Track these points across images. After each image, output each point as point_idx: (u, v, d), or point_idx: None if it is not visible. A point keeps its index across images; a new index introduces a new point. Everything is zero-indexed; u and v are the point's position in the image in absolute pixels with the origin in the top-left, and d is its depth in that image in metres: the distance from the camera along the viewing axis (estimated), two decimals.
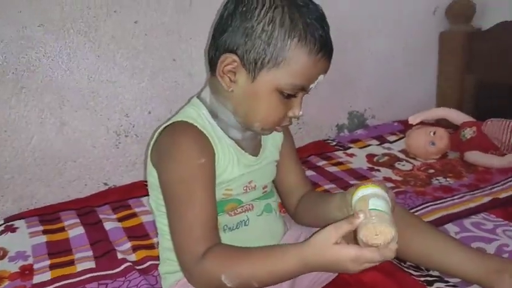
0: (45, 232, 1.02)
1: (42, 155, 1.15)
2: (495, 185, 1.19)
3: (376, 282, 0.79)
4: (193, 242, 0.61)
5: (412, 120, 1.50)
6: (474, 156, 1.34)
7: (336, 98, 1.59)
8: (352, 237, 0.57)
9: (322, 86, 0.66)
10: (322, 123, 1.60)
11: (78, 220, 1.07)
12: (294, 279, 0.74)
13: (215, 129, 0.68)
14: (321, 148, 1.52)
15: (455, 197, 1.14)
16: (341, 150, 1.51)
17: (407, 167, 1.39)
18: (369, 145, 1.55)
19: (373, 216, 0.54)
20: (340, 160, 1.43)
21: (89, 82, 1.16)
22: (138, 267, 0.88)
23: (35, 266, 0.90)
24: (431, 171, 1.34)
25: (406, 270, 0.83)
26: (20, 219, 1.08)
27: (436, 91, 1.82)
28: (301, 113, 0.66)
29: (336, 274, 0.79)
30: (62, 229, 1.04)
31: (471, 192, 1.16)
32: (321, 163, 1.40)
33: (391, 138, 1.60)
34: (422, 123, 1.51)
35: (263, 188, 0.75)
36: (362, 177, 1.31)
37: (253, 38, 0.61)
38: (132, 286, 0.83)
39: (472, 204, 1.09)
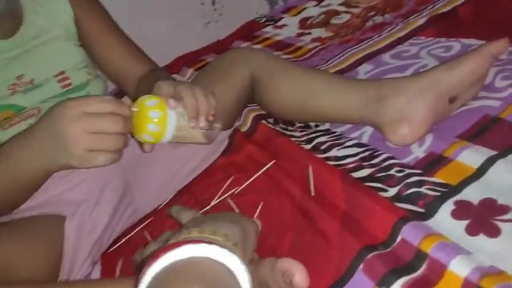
0: None
1: None
2: (438, 2, 0.93)
3: (247, 155, 0.63)
4: None
5: None
6: None
7: None
8: None
9: None
10: (246, 1, 1.35)
11: None
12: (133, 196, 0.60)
13: None
14: (248, 29, 1.29)
15: (384, 32, 0.90)
16: (271, 25, 1.27)
17: (344, 18, 1.14)
18: (305, 8, 1.29)
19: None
20: (267, 36, 1.20)
21: None
22: None
23: None
24: (372, 13, 1.08)
25: (289, 133, 0.65)
26: None
27: None
28: None
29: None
30: None
31: (405, 21, 0.91)
32: (244, 45, 1.19)
33: None
34: None
35: (60, 82, 0.58)
36: (287, 46, 1.09)
37: None
38: None
39: (401, 33, 0.85)
